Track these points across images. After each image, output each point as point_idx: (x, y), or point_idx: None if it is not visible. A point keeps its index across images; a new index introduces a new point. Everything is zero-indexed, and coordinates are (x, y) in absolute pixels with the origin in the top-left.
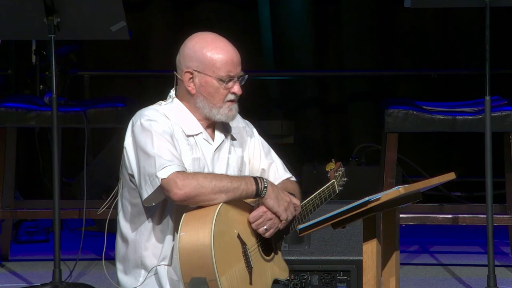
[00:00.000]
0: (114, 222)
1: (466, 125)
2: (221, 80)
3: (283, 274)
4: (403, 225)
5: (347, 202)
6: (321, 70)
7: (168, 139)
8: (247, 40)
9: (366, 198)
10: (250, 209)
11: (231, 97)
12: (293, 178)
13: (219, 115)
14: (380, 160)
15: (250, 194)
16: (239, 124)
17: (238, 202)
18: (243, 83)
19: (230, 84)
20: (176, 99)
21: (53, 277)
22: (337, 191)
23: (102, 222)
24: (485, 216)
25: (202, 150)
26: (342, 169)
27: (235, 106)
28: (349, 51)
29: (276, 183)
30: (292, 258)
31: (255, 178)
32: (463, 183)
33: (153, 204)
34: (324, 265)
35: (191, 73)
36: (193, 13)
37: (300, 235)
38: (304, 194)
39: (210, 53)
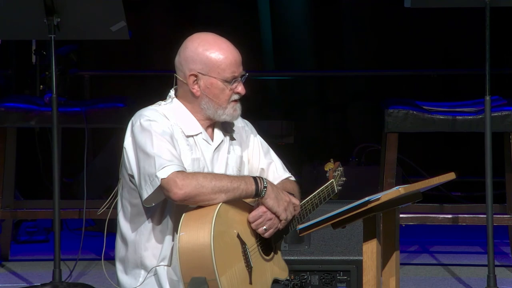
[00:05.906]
0: (114, 222)
1: (466, 125)
2: (226, 81)
3: (283, 273)
4: (403, 225)
5: (347, 202)
6: (321, 70)
7: (167, 139)
8: (247, 40)
9: (366, 198)
10: (249, 209)
11: (235, 97)
12: (293, 178)
13: (225, 115)
14: (380, 160)
15: (250, 194)
16: (238, 124)
17: (238, 202)
18: (244, 81)
19: (235, 84)
20: (175, 99)
21: (53, 277)
22: (336, 191)
23: (102, 222)
24: (485, 216)
25: (201, 150)
26: (341, 168)
27: (239, 106)
28: (349, 51)
29: (275, 182)
30: (292, 258)
31: (254, 178)
32: (463, 183)
33: (153, 204)
34: (324, 265)
35: (196, 76)
36: (193, 13)
37: (300, 235)
38: (304, 194)
39: (213, 55)
